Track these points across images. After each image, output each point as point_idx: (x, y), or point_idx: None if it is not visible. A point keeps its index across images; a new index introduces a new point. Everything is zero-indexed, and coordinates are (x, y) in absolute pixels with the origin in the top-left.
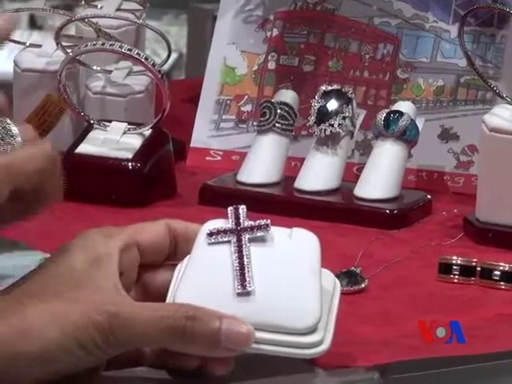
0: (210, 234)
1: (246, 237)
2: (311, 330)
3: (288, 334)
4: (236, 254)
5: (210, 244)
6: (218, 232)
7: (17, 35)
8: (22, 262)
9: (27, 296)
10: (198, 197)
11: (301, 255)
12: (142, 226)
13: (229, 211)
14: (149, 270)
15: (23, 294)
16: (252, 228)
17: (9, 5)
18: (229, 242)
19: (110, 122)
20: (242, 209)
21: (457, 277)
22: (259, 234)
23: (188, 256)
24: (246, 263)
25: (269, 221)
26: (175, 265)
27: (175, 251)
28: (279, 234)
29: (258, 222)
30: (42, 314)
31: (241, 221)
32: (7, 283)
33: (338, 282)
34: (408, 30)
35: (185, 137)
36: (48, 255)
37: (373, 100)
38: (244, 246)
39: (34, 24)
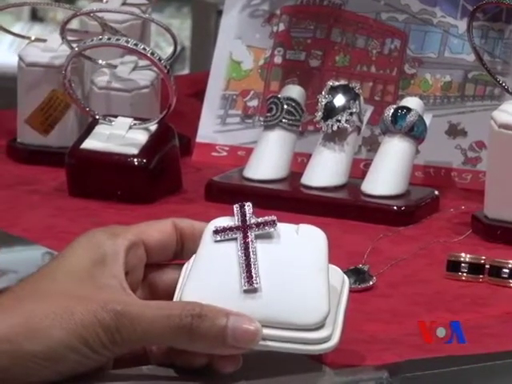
0: (216, 232)
1: (252, 234)
2: (319, 326)
3: (295, 330)
4: (242, 251)
5: (216, 242)
6: (224, 229)
7: (18, 28)
8: (24, 256)
9: (33, 295)
10: (204, 193)
11: (308, 251)
12: (149, 224)
13: (234, 208)
14: (155, 270)
15: (29, 293)
16: (258, 225)
17: None
18: (235, 239)
19: (115, 117)
20: (248, 205)
21: (465, 274)
22: (265, 230)
23: (195, 255)
24: (252, 260)
25: (275, 217)
26: (182, 264)
27: (182, 250)
28: (286, 230)
29: (265, 218)
30: (48, 312)
31: (247, 218)
32: (10, 278)
33: (346, 278)
34: (415, 25)
35: (190, 132)
36: (50, 250)
37: (380, 95)
38: (250, 243)
39: (35, 16)
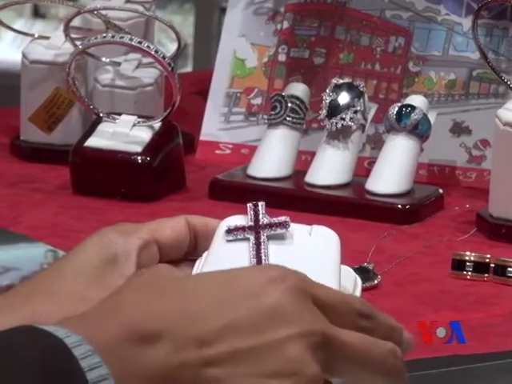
0: (228, 231)
1: (264, 234)
2: None
3: None
4: (254, 253)
5: (228, 241)
6: (237, 229)
7: (20, 24)
8: (27, 254)
9: (41, 293)
10: (208, 191)
11: (320, 254)
12: (162, 222)
13: (248, 208)
14: None
15: (37, 291)
16: (271, 225)
17: None
18: (247, 239)
19: (119, 114)
20: (262, 205)
21: (470, 273)
22: (278, 231)
23: (206, 252)
24: (263, 262)
25: (288, 218)
26: (194, 260)
27: (195, 247)
28: (299, 231)
29: (278, 219)
30: (53, 313)
31: (259, 218)
32: (13, 275)
33: (359, 280)
34: (420, 23)
35: (194, 130)
36: (53, 248)
37: (384, 93)
38: (262, 244)
39: (37, 13)
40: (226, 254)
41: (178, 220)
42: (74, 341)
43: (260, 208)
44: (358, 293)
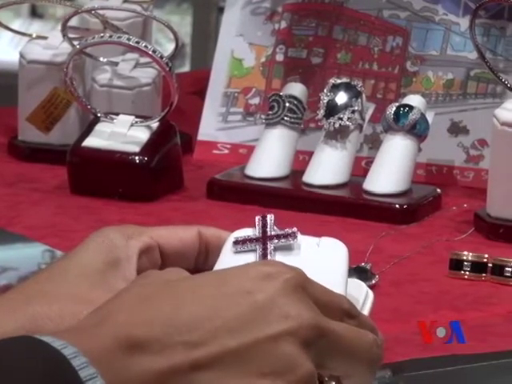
0: (236, 243)
1: (271, 245)
2: None
3: None
4: None
5: (235, 253)
6: (245, 240)
7: (17, 24)
8: (25, 254)
9: (42, 295)
10: (206, 191)
11: (326, 265)
12: (171, 229)
13: (256, 220)
14: None
15: (38, 293)
16: (278, 236)
17: None
18: (254, 250)
19: (116, 114)
20: (270, 217)
21: (468, 273)
22: (285, 242)
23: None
24: None
25: (296, 229)
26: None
27: (206, 259)
28: (307, 242)
29: (285, 230)
30: (54, 315)
31: (267, 229)
32: (10, 275)
33: (370, 293)
34: (417, 23)
35: (191, 130)
36: (50, 248)
37: (382, 93)
38: (269, 255)
39: (34, 13)
40: (232, 265)
41: (190, 230)
42: (70, 352)
43: (268, 220)
44: (368, 306)
